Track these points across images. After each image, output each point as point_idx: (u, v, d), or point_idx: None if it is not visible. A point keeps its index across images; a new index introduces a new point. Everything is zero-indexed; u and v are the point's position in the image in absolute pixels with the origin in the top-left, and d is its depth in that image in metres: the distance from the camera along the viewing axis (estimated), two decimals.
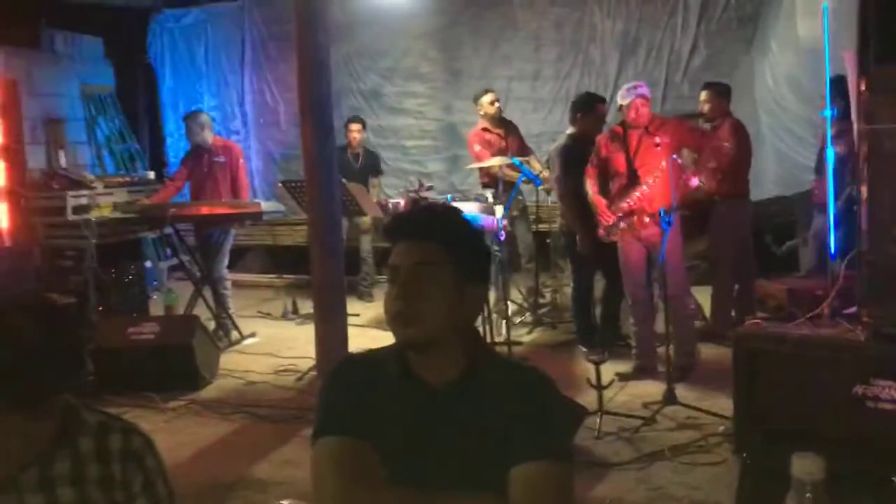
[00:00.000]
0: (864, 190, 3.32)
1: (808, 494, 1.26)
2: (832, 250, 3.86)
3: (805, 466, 1.27)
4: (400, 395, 1.76)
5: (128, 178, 8.67)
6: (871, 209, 3.33)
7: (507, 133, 7.37)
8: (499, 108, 7.37)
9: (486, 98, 7.32)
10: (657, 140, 5.25)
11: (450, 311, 1.73)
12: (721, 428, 4.48)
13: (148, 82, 11.01)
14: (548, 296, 7.68)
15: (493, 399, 1.74)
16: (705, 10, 8.79)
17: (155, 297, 8.12)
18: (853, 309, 3.64)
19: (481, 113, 7.37)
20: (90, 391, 5.44)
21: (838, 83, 4.34)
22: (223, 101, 10.66)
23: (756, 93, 8.29)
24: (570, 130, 6.24)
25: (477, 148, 7.31)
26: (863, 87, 3.33)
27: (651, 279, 5.71)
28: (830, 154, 4.05)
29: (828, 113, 4.03)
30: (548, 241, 7.78)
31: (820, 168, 5.91)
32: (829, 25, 4.48)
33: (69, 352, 1.77)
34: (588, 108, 6.16)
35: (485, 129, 7.35)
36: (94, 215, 6.92)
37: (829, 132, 4.12)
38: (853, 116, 3.80)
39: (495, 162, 6.64)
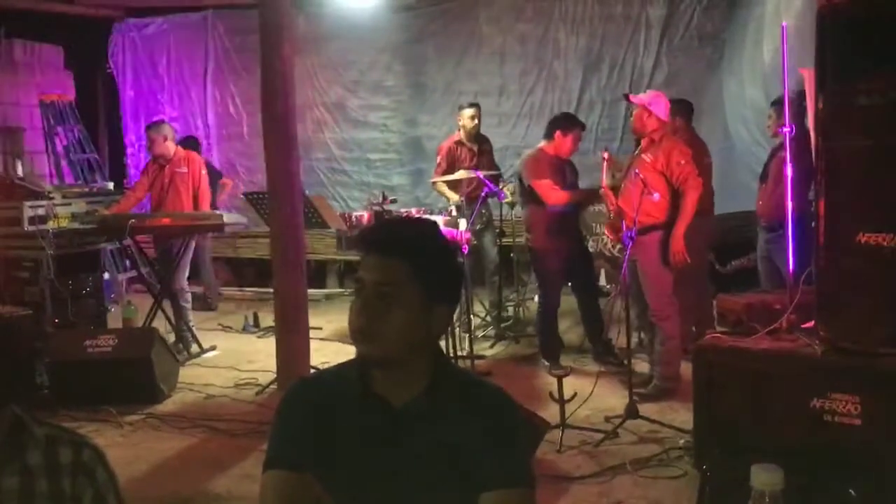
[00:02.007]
0: (820, 205, 3.37)
1: None
2: (790, 265, 3.91)
3: (765, 477, 1.27)
4: (360, 414, 1.72)
5: (87, 189, 8.55)
6: (827, 224, 3.38)
7: (480, 150, 7.39)
8: (476, 124, 7.39)
9: (468, 112, 7.34)
10: (646, 158, 5.34)
11: (412, 330, 1.69)
12: (682, 441, 4.51)
13: (109, 92, 10.91)
14: (511, 309, 7.70)
15: (457, 419, 1.71)
16: (667, 28, 8.91)
17: (113, 309, 8.01)
18: (811, 323, 3.68)
19: (460, 124, 7.41)
20: (45, 405, 5.35)
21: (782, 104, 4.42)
22: (185, 112, 10.58)
23: (728, 111, 8.40)
24: (543, 143, 6.25)
25: (437, 159, 7.35)
26: (820, 105, 3.38)
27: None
28: (790, 171, 4.11)
29: (787, 130, 4.09)
30: (512, 255, 7.80)
31: (764, 177, 6.00)
32: (793, 44, 4.57)
33: (14, 363, 1.72)
34: (568, 129, 6.18)
35: (458, 143, 7.37)
36: (51, 226, 6.79)
37: (788, 150, 4.17)
38: (811, 133, 3.86)
39: (458, 175, 6.65)
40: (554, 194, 6.04)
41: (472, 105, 7.46)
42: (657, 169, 5.32)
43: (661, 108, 5.43)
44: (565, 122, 6.25)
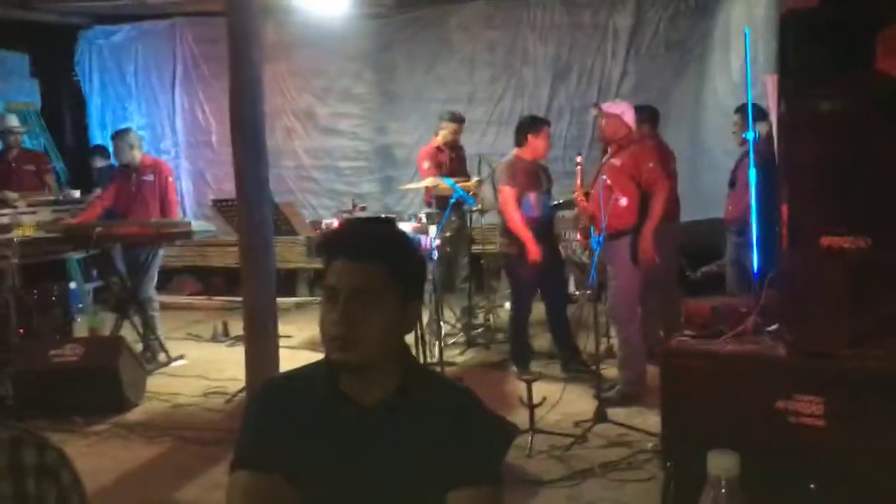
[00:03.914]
0: (783, 209, 3.42)
1: (722, 490, 1.28)
2: (755, 268, 3.96)
3: (721, 462, 1.30)
4: (328, 415, 1.72)
5: (52, 197, 8.45)
6: (790, 228, 3.43)
7: (456, 156, 7.44)
8: (457, 139, 7.45)
9: (452, 125, 7.39)
10: (615, 162, 5.46)
11: (391, 333, 1.70)
12: (650, 445, 4.55)
13: (75, 100, 10.79)
14: (481, 316, 7.71)
15: (425, 419, 1.72)
16: (635, 37, 9.01)
17: (79, 319, 7.92)
18: (776, 326, 3.72)
19: (441, 133, 7.41)
20: (10, 415, 5.27)
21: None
22: (153, 120, 10.51)
23: (702, 119, 8.48)
24: (517, 150, 6.28)
25: (426, 165, 7.34)
26: (783, 110, 3.43)
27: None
28: (753, 176, 4.16)
29: (750, 135, 4.15)
30: (482, 261, 7.82)
31: (733, 182, 6.10)
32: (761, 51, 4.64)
33: None
34: (537, 129, 6.24)
35: (438, 149, 7.40)
36: (16, 235, 6.70)
37: (752, 155, 4.22)
38: (775, 138, 3.92)
39: (427, 183, 6.66)
40: (509, 210, 6.08)
41: (456, 120, 7.48)
42: (626, 172, 5.41)
43: (631, 117, 5.56)
44: (532, 124, 6.32)
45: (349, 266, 1.67)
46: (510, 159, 6.26)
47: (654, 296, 6.10)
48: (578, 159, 5.72)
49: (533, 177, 6.17)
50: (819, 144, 3.38)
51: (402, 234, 1.82)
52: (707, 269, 7.31)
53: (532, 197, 6.13)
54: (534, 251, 5.98)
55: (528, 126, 6.28)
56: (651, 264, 5.44)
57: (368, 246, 1.70)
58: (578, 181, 5.64)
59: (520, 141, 6.24)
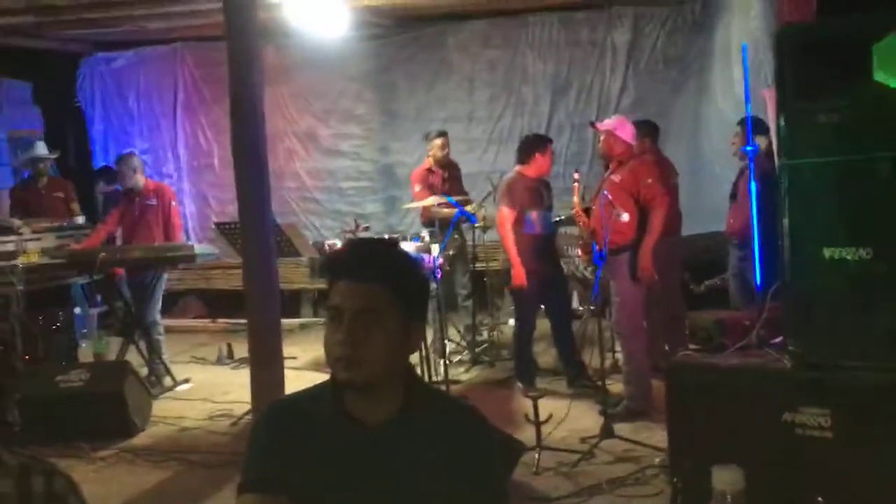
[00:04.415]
0: (785, 223, 3.43)
1: None
2: (757, 281, 3.97)
3: (725, 477, 1.30)
4: (334, 436, 1.73)
5: (56, 223, 8.48)
6: (792, 241, 3.44)
7: (450, 175, 7.46)
8: (447, 152, 7.47)
9: (437, 141, 7.41)
10: (615, 178, 5.47)
11: (395, 352, 1.71)
12: (657, 460, 4.54)
13: (78, 126, 10.84)
14: (485, 334, 7.71)
15: (430, 437, 1.73)
16: (633, 52, 9.05)
17: (84, 344, 7.92)
18: (780, 339, 3.73)
19: (430, 153, 7.45)
20: (16, 442, 5.27)
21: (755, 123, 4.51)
22: (155, 145, 10.55)
23: (704, 133, 8.50)
24: (520, 167, 6.30)
25: (417, 188, 7.37)
26: (781, 123, 3.45)
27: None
28: (753, 189, 4.18)
29: (750, 148, 4.17)
30: (485, 279, 7.82)
31: (734, 194, 6.12)
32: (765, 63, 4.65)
33: None
34: (545, 147, 6.27)
35: (429, 170, 7.42)
36: (21, 261, 6.73)
37: (752, 167, 4.24)
38: (775, 152, 3.94)
39: (430, 202, 6.68)
40: (504, 231, 6.11)
41: (440, 134, 7.52)
42: (625, 188, 5.43)
43: (627, 132, 5.56)
44: (539, 143, 6.36)
45: (353, 287, 1.69)
46: (512, 177, 6.27)
47: (658, 310, 6.10)
48: (576, 175, 5.75)
49: (535, 194, 6.19)
50: (817, 157, 3.40)
51: (406, 254, 1.83)
52: (710, 283, 7.31)
53: (534, 215, 6.15)
54: (519, 276, 6.01)
55: (535, 144, 6.31)
56: (650, 280, 5.43)
57: (371, 266, 1.72)
58: (576, 197, 5.67)
59: (524, 159, 6.26)
